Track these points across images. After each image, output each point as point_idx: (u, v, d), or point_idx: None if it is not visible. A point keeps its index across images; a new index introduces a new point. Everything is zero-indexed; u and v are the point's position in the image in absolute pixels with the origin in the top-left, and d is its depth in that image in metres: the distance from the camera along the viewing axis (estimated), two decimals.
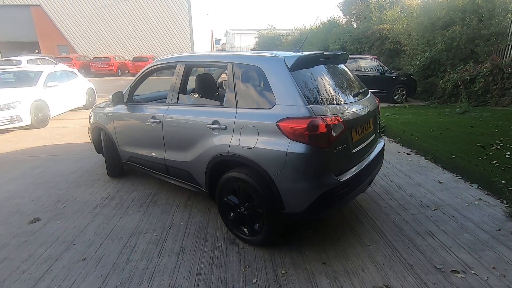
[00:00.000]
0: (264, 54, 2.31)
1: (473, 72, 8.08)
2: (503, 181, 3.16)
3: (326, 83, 2.31)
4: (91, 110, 4.15)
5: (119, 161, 3.69)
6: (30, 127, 6.35)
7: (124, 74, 20.80)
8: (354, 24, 23.46)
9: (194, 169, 2.65)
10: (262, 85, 2.20)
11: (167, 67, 3.03)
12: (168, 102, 2.83)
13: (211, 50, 40.56)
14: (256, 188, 2.16)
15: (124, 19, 24.90)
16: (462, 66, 8.55)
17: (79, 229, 2.72)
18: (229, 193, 2.43)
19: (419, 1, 17.64)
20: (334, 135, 1.99)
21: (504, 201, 2.98)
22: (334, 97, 2.23)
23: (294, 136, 1.95)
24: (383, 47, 14.89)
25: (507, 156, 3.84)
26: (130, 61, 21.20)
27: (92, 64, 19.88)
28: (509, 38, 7.87)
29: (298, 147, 1.95)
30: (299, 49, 2.53)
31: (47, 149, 5.10)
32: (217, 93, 3.07)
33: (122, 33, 25.21)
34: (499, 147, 4.14)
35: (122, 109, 3.33)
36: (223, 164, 2.40)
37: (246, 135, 2.16)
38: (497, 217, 2.75)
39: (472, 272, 2.07)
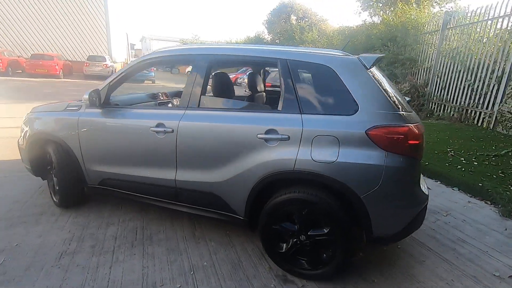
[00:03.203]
0: (327, 52, 1.98)
1: None
2: (480, 184, 3.58)
3: (391, 88, 2.09)
4: (25, 116, 2.97)
5: (80, 185, 2.70)
6: None
7: (16, 74, 16.71)
8: (278, 41, 25.08)
9: (227, 192, 2.07)
10: (334, 87, 1.84)
11: (177, 61, 2.36)
12: (184, 106, 2.17)
13: (128, 55, 36.91)
14: (332, 211, 1.77)
15: (22, 10, 20.09)
16: None
17: None
18: (283, 219, 1.95)
19: (335, 27, 20.10)
20: (423, 145, 1.80)
21: (489, 202, 3.35)
22: (403, 104, 2.05)
23: (390, 147, 1.67)
24: None
25: (463, 161, 4.44)
26: (26, 58, 17.25)
27: None
28: (419, 63, 9.53)
29: (397, 160, 1.67)
30: (343, 50, 2.29)
31: None
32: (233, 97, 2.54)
33: (16, 25, 20.26)
34: (452, 153, 4.78)
35: (96, 114, 2.43)
36: (279, 184, 1.92)
37: (320, 147, 1.76)
38: (494, 217, 3.05)
39: None
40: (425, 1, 14.23)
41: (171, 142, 2.14)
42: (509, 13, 6.20)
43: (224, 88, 2.37)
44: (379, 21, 12.24)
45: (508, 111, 5.92)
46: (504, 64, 6.17)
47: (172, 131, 2.12)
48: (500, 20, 6.41)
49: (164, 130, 2.14)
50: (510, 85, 5.99)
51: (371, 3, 19.16)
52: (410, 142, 1.69)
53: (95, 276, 1.95)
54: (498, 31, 6.48)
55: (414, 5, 12.77)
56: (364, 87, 1.78)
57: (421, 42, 9.47)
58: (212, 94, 2.38)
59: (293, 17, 24.78)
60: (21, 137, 2.94)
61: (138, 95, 3.08)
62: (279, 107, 1.93)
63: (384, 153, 1.68)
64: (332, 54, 1.97)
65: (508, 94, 6.01)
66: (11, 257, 2.09)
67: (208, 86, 2.32)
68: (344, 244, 1.82)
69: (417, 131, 1.73)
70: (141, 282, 1.92)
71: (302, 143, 1.80)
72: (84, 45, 21.39)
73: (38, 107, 3.02)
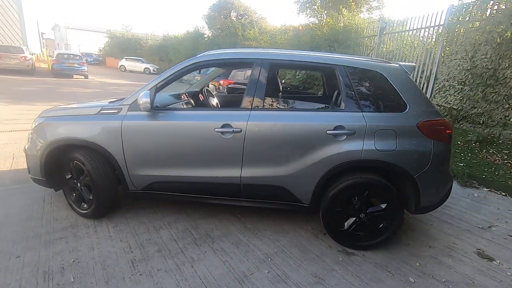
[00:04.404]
0: (374, 60, 2.38)
1: None
2: None
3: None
4: (34, 123, 2.65)
5: (118, 192, 2.59)
6: None
7: None
8: (220, 38, 24.95)
9: (294, 183, 2.31)
10: (386, 89, 2.25)
11: (237, 64, 2.45)
12: (248, 107, 2.30)
13: (40, 44, 31.91)
14: (389, 190, 2.20)
15: None
16: None
17: None
18: (345, 201, 2.31)
19: (278, 27, 21.07)
20: None
21: None
22: (432, 103, 2.56)
23: (435, 135, 2.16)
24: None
25: None
26: None
27: None
28: None
29: (441, 146, 2.18)
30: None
31: None
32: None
33: None
34: None
35: (143, 117, 2.36)
36: (343, 172, 2.26)
37: (382, 139, 2.16)
38: (457, 187, 3.95)
39: (496, 224, 2.97)
40: (357, 8, 16.16)
41: (239, 142, 2.27)
42: (423, 27, 7.76)
43: (275, 89, 2.57)
44: (317, 21, 13.45)
45: (436, 105, 7.37)
46: (431, 67, 7.64)
47: (240, 130, 2.25)
48: (429, 29, 7.88)
49: (233, 130, 2.25)
50: (436, 84, 7.46)
51: (307, 5, 20.66)
52: (448, 131, 2.22)
53: (184, 276, 1.99)
54: (425, 39, 7.96)
55: (353, 11, 14.38)
56: (409, 89, 2.24)
57: (361, 44, 10.83)
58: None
59: (233, 14, 24.98)
60: (31, 145, 2.61)
61: (164, 96, 2.99)
62: (342, 107, 2.26)
63: (431, 141, 2.17)
64: (379, 61, 2.38)
65: (435, 90, 7.47)
66: (79, 272, 1.96)
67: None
68: (399, 215, 2.27)
69: (450, 123, 2.27)
70: (231, 274, 2.05)
71: (366, 137, 2.17)
72: None
73: (49, 111, 2.71)
